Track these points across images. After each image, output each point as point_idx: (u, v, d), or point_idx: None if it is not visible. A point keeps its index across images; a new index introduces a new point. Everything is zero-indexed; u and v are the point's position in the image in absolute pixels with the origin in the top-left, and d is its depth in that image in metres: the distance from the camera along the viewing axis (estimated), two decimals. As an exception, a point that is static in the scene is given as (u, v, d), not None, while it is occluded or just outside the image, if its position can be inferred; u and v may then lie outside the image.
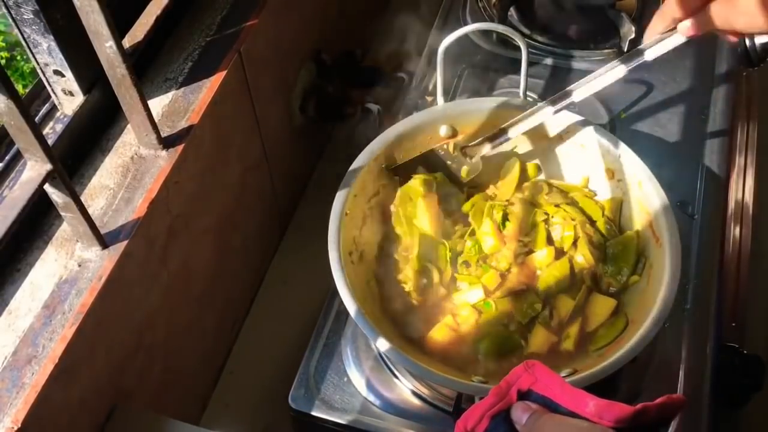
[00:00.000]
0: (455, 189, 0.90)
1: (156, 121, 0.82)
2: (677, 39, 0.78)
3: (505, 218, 0.88)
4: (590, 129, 0.88)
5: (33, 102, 0.83)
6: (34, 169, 0.68)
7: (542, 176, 0.94)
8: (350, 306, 0.76)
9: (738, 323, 0.95)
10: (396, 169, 0.89)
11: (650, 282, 0.80)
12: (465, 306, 0.83)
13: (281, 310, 1.13)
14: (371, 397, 0.85)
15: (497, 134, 0.88)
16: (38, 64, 0.80)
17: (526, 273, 0.85)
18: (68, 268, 0.76)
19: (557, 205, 0.88)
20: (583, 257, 0.84)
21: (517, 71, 0.95)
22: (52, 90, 0.82)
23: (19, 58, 1.22)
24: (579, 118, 0.89)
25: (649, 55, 0.81)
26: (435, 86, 1.07)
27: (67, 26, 0.76)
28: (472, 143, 0.89)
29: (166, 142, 0.84)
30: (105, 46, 0.73)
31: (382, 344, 0.74)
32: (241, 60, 0.93)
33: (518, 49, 0.88)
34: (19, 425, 0.66)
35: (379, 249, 0.89)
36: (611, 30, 1.10)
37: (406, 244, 0.87)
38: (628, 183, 0.86)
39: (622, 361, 0.72)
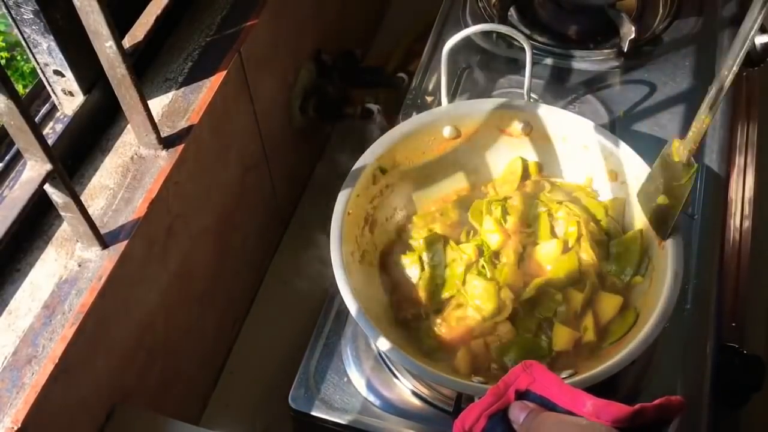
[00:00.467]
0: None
1: (156, 121, 0.82)
2: None
3: (504, 213, 0.88)
4: (592, 130, 0.88)
5: (33, 102, 0.83)
6: (34, 169, 0.68)
7: (545, 174, 0.94)
8: (351, 305, 0.76)
9: (738, 323, 0.95)
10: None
11: (653, 283, 0.80)
12: (478, 307, 0.83)
13: (281, 310, 1.13)
14: (371, 397, 0.85)
15: None
16: (38, 64, 0.80)
17: (535, 267, 0.85)
18: (68, 268, 0.76)
19: (560, 202, 0.88)
20: (586, 255, 0.84)
21: (518, 71, 0.96)
22: (52, 90, 0.82)
23: (19, 58, 1.22)
24: (581, 119, 0.89)
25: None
26: (435, 86, 1.07)
27: (67, 26, 0.76)
28: None
29: (166, 142, 0.84)
30: (105, 46, 0.73)
31: (383, 344, 0.74)
32: (241, 60, 0.93)
33: (519, 49, 0.88)
34: (19, 425, 0.66)
35: (385, 251, 0.89)
36: (611, 30, 1.10)
37: (415, 245, 0.88)
38: (630, 184, 0.86)
39: (624, 363, 0.72)
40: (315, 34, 1.16)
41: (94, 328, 0.74)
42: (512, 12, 1.15)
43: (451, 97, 1.07)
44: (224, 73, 0.89)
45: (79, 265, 0.76)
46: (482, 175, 0.94)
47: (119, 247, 0.77)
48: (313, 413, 0.84)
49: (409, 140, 0.90)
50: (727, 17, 1.13)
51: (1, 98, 0.61)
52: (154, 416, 0.83)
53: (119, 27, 0.73)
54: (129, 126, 0.84)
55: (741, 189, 1.05)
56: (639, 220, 0.85)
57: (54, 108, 0.83)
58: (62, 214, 0.73)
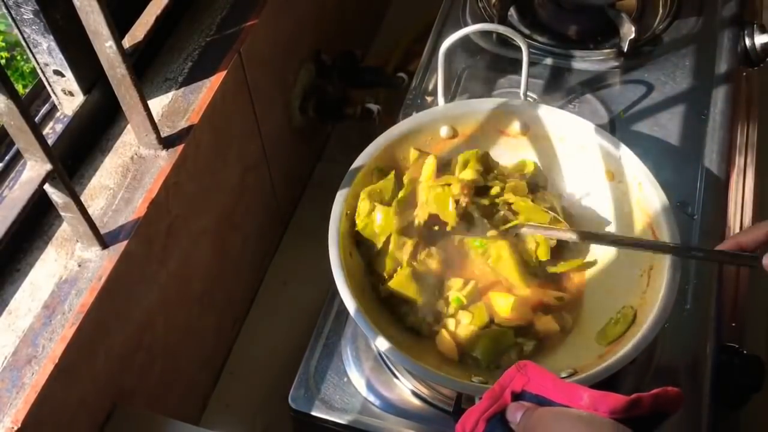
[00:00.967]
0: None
1: (156, 121, 0.82)
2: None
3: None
4: (591, 130, 0.88)
5: (33, 102, 0.83)
6: (34, 169, 0.68)
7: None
8: (350, 305, 0.76)
9: (738, 323, 0.95)
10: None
11: (650, 284, 0.80)
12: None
13: (281, 310, 1.13)
14: (371, 397, 0.85)
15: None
16: (38, 64, 0.80)
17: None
18: (68, 268, 0.76)
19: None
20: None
21: (518, 71, 0.95)
22: (52, 90, 0.82)
23: (19, 58, 1.22)
24: (579, 119, 0.89)
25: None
26: (435, 86, 1.07)
27: (67, 26, 0.76)
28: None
29: (166, 142, 0.84)
30: (105, 46, 0.73)
31: (382, 343, 0.74)
32: (241, 60, 0.93)
33: (519, 49, 0.88)
34: (19, 425, 0.66)
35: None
36: (611, 30, 1.10)
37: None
38: (628, 184, 0.86)
39: (623, 362, 0.72)
40: (315, 34, 1.16)
41: (94, 328, 0.74)
42: (512, 12, 1.15)
43: (451, 97, 1.07)
44: (224, 73, 0.89)
45: (79, 265, 0.76)
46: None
47: (119, 247, 0.77)
48: (313, 413, 0.84)
49: (407, 140, 0.90)
50: (727, 17, 1.13)
51: (1, 98, 0.61)
52: (154, 416, 0.83)
53: (119, 27, 0.73)
54: (129, 126, 0.84)
55: (741, 189, 1.05)
56: (636, 221, 0.85)
57: (54, 108, 0.83)
58: (62, 214, 0.73)
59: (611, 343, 0.78)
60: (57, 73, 0.80)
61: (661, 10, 1.15)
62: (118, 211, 0.79)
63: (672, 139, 1.01)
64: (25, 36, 0.77)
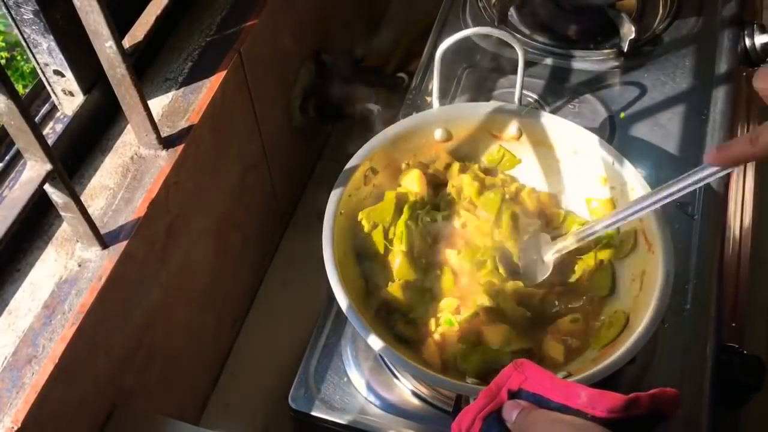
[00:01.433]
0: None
1: (156, 121, 0.82)
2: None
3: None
4: (584, 135, 0.88)
5: (33, 102, 0.83)
6: (34, 169, 0.68)
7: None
8: (343, 303, 0.76)
9: (738, 323, 0.95)
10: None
11: (643, 288, 0.80)
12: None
13: (281, 310, 1.13)
14: (371, 397, 0.85)
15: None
16: (38, 64, 0.80)
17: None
18: (68, 268, 0.76)
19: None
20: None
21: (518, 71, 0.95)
22: (52, 90, 0.82)
23: (19, 58, 1.22)
24: (571, 124, 0.89)
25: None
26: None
27: (67, 26, 0.76)
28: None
29: (166, 142, 0.84)
30: (105, 46, 0.73)
31: (375, 342, 0.74)
32: (241, 60, 0.93)
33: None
34: (19, 425, 0.66)
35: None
36: (611, 30, 1.10)
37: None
38: (620, 190, 0.86)
39: (615, 366, 0.72)
40: (315, 34, 1.16)
41: (94, 328, 0.74)
42: (512, 12, 1.15)
43: (451, 98, 1.07)
44: (224, 73, 0.89)
45: (79, 265, 0.76)
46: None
47: (119, 247, 0.77)
48: (313, 413, 0.84)
49: (401, 142, 0.90)
50: (727, 17, 1.13)
51: (1, 98, 0.61)
52: (154, 416, 0.83)
53: (119, 27, 0.73)
54: (129, 126, 0.84)
55: (741, 189, 1.05)
56: (631, 226, 0.85)
57: (54, 108, 0.83)
58: (62, 214, 0.73)
59: (605, 346, 0.78)
60: (57, 73, 0.80)
61: (661, 10, 1.15)
62: (118, 211, 0.79)
63: (672, 139, 1.01)
64: (25, 36, 0.77)
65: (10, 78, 0.61)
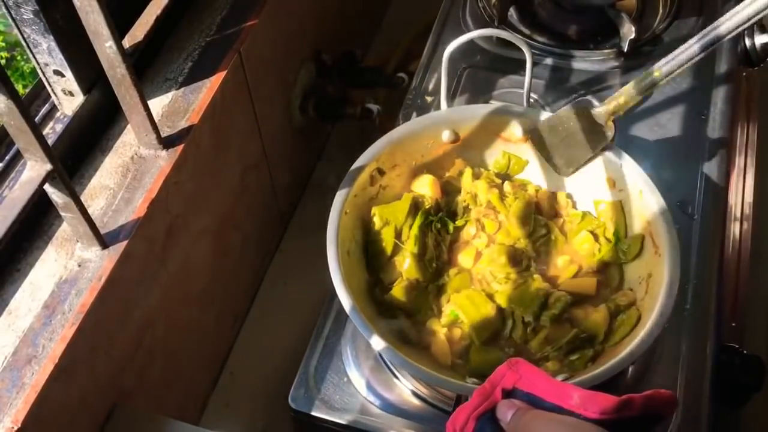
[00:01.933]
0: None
1: (156, 121, 0.82)
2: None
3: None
4: None
5: (33, 102, 0.83)
6: (34, 169, 0.68)
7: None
8: (346, 302, 0.76)
9: (738, 323, 0.95)
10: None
11: (649, 291, 0.80)
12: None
13: (281, 310, 1.13)
14: (371, 397, 0.85)
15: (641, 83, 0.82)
16: (38, 64, 0.80)
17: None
18: (68, 268, 0.76)
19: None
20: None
21: (518, 71, 0.96)
22: (52, 90, 0.82)
23: (19, 58, 1.22)
24: None
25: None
26: (435, 86, 1.07)
27: (67, 26, 0.76)
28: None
29: (166, 142, 0.84)
30: (105, 46, 0.73)
31: (377, 343, 0.74)
32: (241, 60, 0.93)
33: (519, 49, 0.88)
34: (19, 425, 0.66)
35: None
36: (611, 30, 1.10)
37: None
38: (628, 192, 0.86)
39: (615, 370, 0.72)
40: (315, 34, 1.16)
41: (94, 328, 0.74)
42: (512, 12, 1.15)
43: (451, 99, 1.07)
44: (224, 73, 0.89)
45: (79, 265, 0.76)
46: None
47: (119, 247, 0.77)
48: (313, 413, 0.84)
49: (408, 142, 0.90)
50: (727, 17, 1.13)
51: (1, 98, 0.61)
52: (154, 416, 0.83)
53: (119, 27, 0.73)
54: (129, 126, 0.84)
55: (741, 189, 1.05)
56: (636, 228, 0.85)
57: (54, 108, 0.83)
58: (62, 214, 0.73)
59: (612, 345, 0.78)
60: (57, 73, 0.80)
61: (661, 10, 1.15)
62: (118, 211, 0.79)
63: (672, 139, 1.01)
64: (25, 36, 0.77)
65: (10, 78, 0.61)
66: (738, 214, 1.03)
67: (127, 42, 0.84)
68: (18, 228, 0.68)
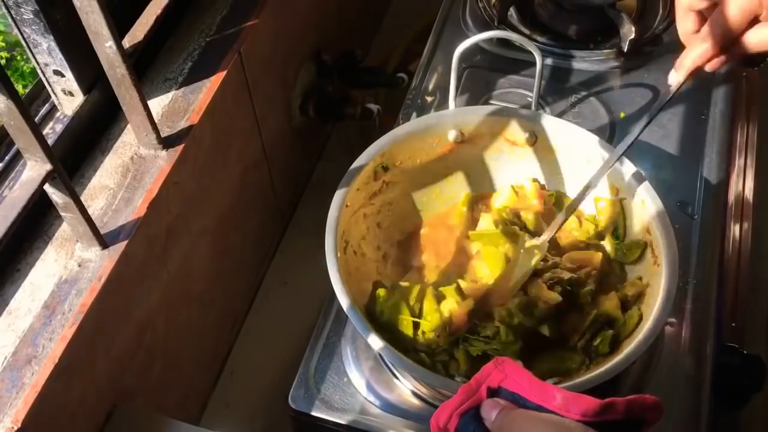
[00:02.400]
0: None
1: (156, 121, 0.82)
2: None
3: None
4: (596, 144, 0.87)
5: (33, 102, 0.83)
6: (34, 169, 0.68)
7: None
8: (344, 301, 0.76)
9: (738, 323, 0.94)
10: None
11: (645, 300, 0.80)
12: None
13: (281, 310, 1.13)
14: (371, 397, 0.85)
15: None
16: (38, 64, 0.80)
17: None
18: (68, 268, 0.76)
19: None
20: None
21: (518, 71, 0.95)
22: (52, 90, 0.82)
23: (19, 58, 1.22)
24: (587, 133, 0.88)
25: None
26: (435, 86, 1.07)
27: (67, 26, 0.76)
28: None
29: (166, 142, 0.84)
30: (105, 46, 0.73)
31: (375, 342, 0.74)
32: (241, 60, 0.93)
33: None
34: (19, 425, 0.66)
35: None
36: (611, 30, 1.10)
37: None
38: (631, 201, 0.86)
39: (609, 374, 0.72)
40: (315, 34, 1.16)
41: (94, 328, 0.74)
42: (512, 12, 1.15)
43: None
44: (224, 73, 0.89)
45: (79, 265, 0.76)
46: (484, 181, 0.94)
47: (119, 247, 0.77)
48: (313, 413, 0.84)
49: (414, 140, 0.90)
50: (727, 17, 1.13)
51: (1, 98, 0.61)
52: (154, 416, 0.83)
53: (119, 27, 0.73)
54: (129, 126, 0.84)
55: (741, 189, 1.05)
56: (637, 236, 0.85)
57: (54, 108, 0.83)
58: (62, 214, 0.73)
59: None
60: (57, 73, 0.80)
61: (661, 10, 1.15)
62: (118, 211, 0.79)
63: (672, 139, 1.01)
64: (25, 36, 0.77)
65: (10, 78, 0.61)
66: (738, 214, 1.03)
67: (127, 42, 0.84)
68: (18, 228, 0.68)
